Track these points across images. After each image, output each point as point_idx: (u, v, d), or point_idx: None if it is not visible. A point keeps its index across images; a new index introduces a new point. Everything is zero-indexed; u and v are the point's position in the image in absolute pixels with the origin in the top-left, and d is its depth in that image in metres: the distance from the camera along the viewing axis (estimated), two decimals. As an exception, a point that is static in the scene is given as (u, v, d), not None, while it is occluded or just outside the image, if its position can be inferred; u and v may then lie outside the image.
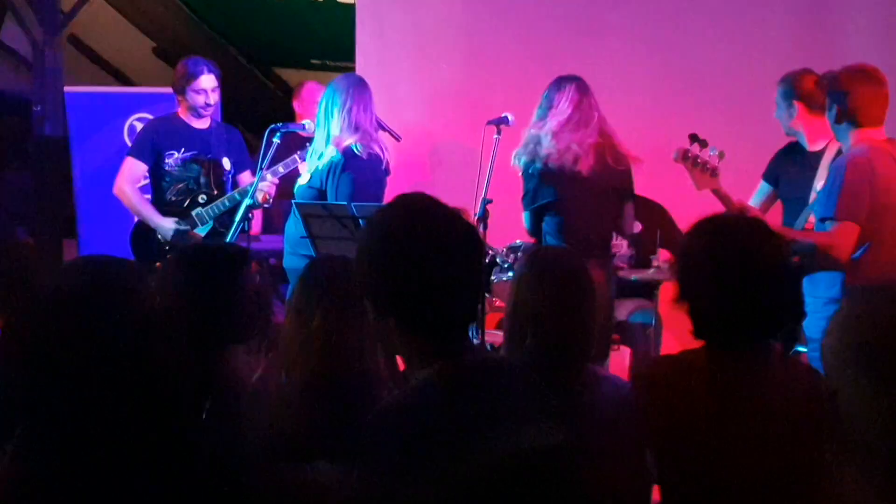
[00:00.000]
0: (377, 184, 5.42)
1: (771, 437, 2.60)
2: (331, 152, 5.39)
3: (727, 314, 2.66)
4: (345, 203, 5.10)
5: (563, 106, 5.26)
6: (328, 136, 5.43)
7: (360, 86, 5.52)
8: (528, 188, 5.29)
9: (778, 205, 5.24)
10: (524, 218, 5.39)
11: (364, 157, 5.36)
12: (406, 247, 2.16)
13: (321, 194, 5.39)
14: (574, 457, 2.36)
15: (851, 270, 4.27)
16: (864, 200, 4.25)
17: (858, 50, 5.84)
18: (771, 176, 5.31)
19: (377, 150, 5.42)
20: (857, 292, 1.64)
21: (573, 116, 5.24)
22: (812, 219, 4.83)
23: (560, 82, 5.34)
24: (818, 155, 5.06)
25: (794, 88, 5.01)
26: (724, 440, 2.61)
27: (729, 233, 2.75)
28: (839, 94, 4.36)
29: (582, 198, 5.28)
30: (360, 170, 5.35)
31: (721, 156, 4.63)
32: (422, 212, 2.22)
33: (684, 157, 4.64)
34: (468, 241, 2.23)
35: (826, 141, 5.06)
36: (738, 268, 2.65)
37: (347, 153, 5.36)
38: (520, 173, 5.35)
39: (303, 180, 5.54)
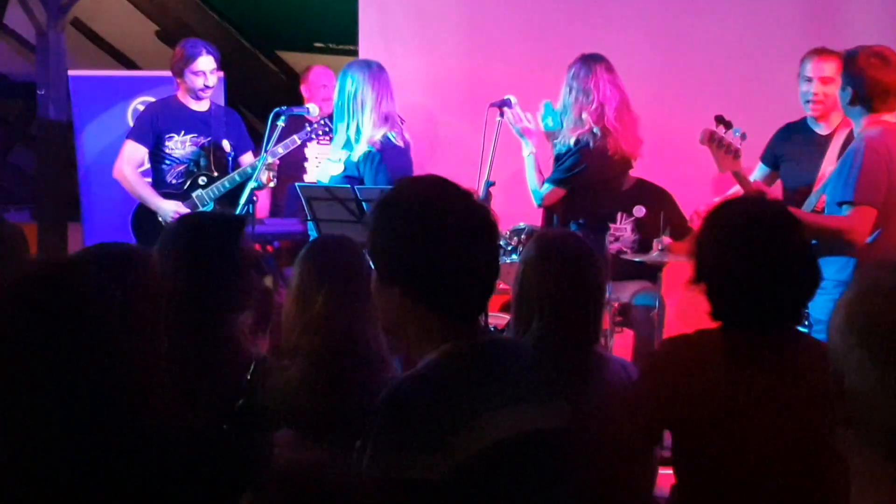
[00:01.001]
0: (410, 170, 5.47)
1: (786, 418, 2.62)
2: (364, 146, 5.41)
3: (748, 296, 2.68)
4: (347, 186, 5.12)
5: (605, 88, 5.29)
6: (359, 130, 5.44)
7: (382, 73, 5.54)
8: (577, 166, 5.31)
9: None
10: (545, 191, 5.42)
11: (401, 145, 5.47)
12: (432, 223, 2.19)
13: (361, 183, 5.42)
14: (578, 439, 2.37)
15: (865, 254, 4.25)
16: (881, 184, 4.23)
17: (869, 27, 5.83)
18: (769, 158, 5.30)
19: (407, 136, 5.53)
20: (865, 270, 1.62)
21: (615, 98, 5.29)
22: (821, 202, 4.82)
23: (589, 63, 5.35)
24: (827, 138, 5.04)
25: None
26: (740, 419, 2.64)
27: (751, 215, 2.77)
28: (856, 78, 4.30)
29: (620, 180, 5.44)
30: (396, 158, 5.42)
31: (743, 137, 4.62)
32: (443, 190, 2.25)
33: (710, 138, 4.63)
34: (486, 221, 2.25)
35: (834, 125, 5.04)
36: (760, 249, 2.67)
37: (386, 144, 5.42)
38: (558, 150, 5.40)
39: (336, 170, 5.50)
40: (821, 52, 5.06)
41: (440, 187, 2.26)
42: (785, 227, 2.74)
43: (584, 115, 5.28)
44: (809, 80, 5.06)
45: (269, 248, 6.26)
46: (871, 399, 1.49)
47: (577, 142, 5.30)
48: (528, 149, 5.55)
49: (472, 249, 2.21)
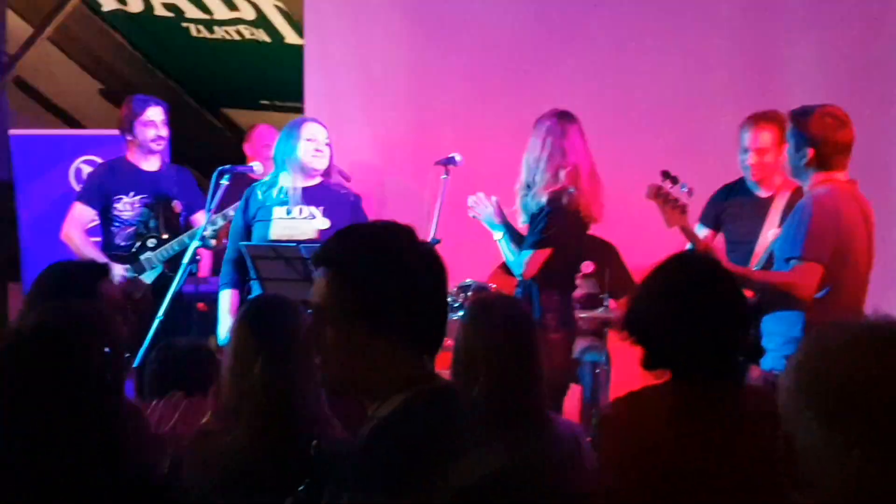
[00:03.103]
0: None
1: (734, 469, 2.65)
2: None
3: (679, 347, 2.75)
4: (294, 245, 5.10)
5: (580, 150, 5.25)
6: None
7: None
8: (553, 225, 5.19)
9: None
10: (526, 258, 5.22)
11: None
12: (399, 257, 2.17)
13: None
14: (527, 485, 2.36)
15: (814, 311, 4.26)
16: (829, 242, 4.24)
17: (814, 84, 5.93)
18: (710, 218, 5.33)
19: None
20: (814, 332, 1.63)
21: (587, 162, 5.25)
22: (755, 259, 4.86)
23: (565, 123, 5.27)
24: (767, 200, 5.09)
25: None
26: (689, 471, 2.67)
27: (685, 271, 2.89)
28: (813, 139, 4.29)
29: (582, 240, 5.38)
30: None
31: (690, 193, 4.62)
32: (401, 230, 2.24)
33: (657, 193, 4.61)
34: (441, 261, 2.25)
35: (775, 186, 5.09)
36: (691, 303, 2.77)
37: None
38: (529, 208, 5.28)
39: (323, 224, 5.48)
40: (758, 121, 5.07)
41: (397, 227, 2.26)
42: (716, 281, 2.83)
43: (562, 174, 5.18)
44: (746, 149, 5.10)
45: (197, 305, 6.14)
46: (821, 460, 1.51)
47: (551, 200, 5.19)
48: (498, 234, 5.41)
49: (435, 285, 2.21)
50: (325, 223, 5.42)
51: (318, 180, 5.51)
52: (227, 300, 5.50)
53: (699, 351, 2.74)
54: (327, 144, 5.52)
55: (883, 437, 1.48)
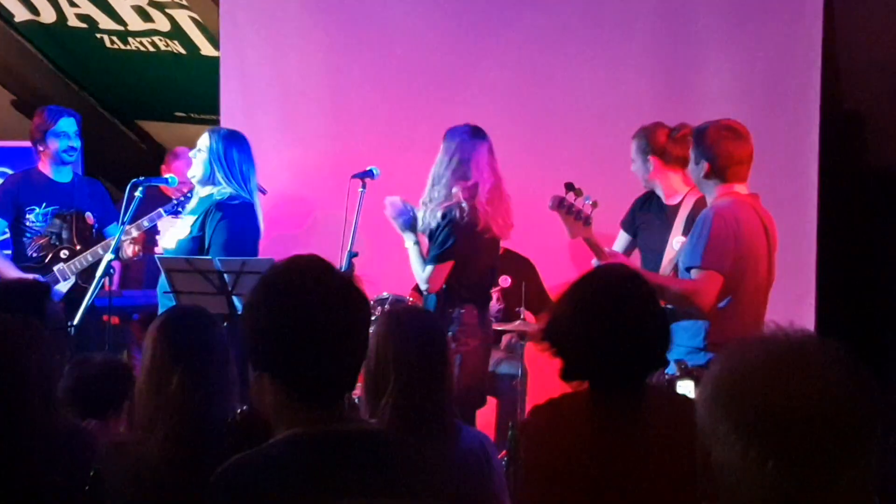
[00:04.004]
0: (253, 231, 5.38)
1: (655, 477, 2.69)
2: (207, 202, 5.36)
3: (599, 357, 2.79)
4: (209, 257, 5.05)
5: (484, 169, 5.21)
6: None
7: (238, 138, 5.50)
8: (450, 239, 5.16)
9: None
10: (429, 273, 5.19)
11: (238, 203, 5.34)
12: (292, 303, 2.17)
13: (200, 241, 5.31)
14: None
15: (715, 321, 4.35)
16: (728, 252, 4.32)
17: (721, 99, 6.03)
18: (630, 226, 5.41)
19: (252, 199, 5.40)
20: (732, 346, 1.67)
21: (490, 181, 5.21)
22: (663, 268, 4.94)
23: (474, 140, 5.25)
24: (675, 208, 5.18)
25: (649, 143, 5.15)
26: (612, 479, 2.70)
27: (605, 284, 2.93)
28: (709, 152, 4.41)
29: (491, 255, 5.34)
30: (235, 216, 5.31)
31: (594, 205, 4.68)
32: (313, 272, 2.22)
33: (559, 205, 4.66)
34: (356, 308, 2.23)
35: (681, 194, 5.19)
36: (610, 316, 2.80)
37: (223, 201, 5.34)
38: (427, 224, 5.25)
39: (183, 234, 5.40)
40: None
41: (314, 270, 2.23)
42: (633, 292, 2.87)
43: (455, 190, 5.16)
44: None
45: (111, 318, 6.02)
46: (737, 472, 1.54)
47: (445, 216, 5.17)
48: (410, 240, 5.38)
49: (336, 335, 2.18)
50: (183, 232, 5.38)
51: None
52: None
53: (617, 362, 2.78)
54: (199, 151, 5.44)
55: (798, 451, 1.51)
